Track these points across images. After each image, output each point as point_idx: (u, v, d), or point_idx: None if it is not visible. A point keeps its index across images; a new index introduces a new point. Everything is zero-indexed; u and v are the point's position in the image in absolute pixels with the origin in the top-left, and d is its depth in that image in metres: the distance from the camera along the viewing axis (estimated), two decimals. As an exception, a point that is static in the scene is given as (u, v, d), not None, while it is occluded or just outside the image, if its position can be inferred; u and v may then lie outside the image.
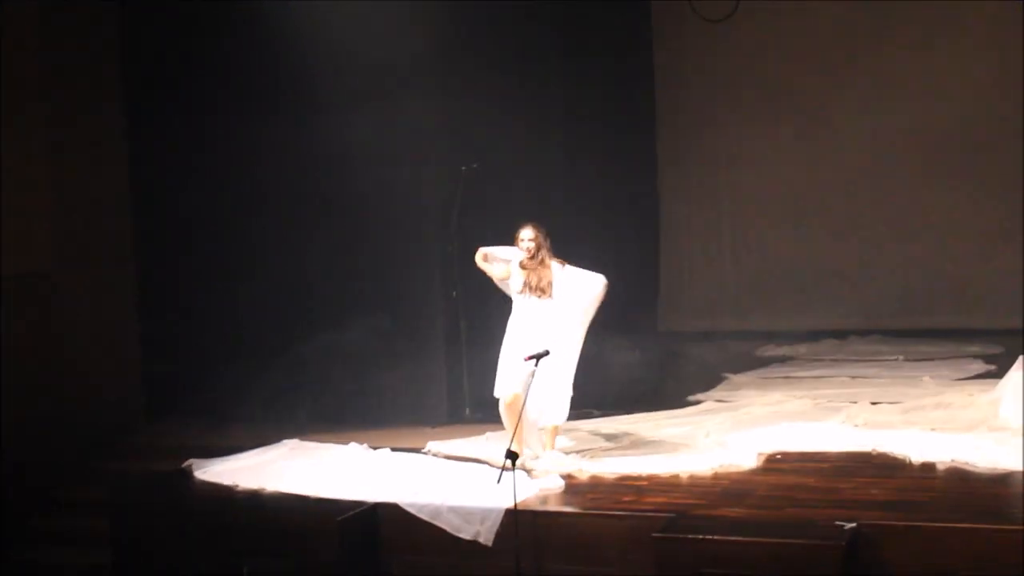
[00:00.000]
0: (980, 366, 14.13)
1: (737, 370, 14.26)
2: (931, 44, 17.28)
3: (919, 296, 17.50)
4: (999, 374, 11.98)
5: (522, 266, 9.70)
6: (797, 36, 17.80)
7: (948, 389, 12.38)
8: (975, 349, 15.35)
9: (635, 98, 17.83)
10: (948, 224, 17.49)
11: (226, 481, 9.74)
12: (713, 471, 9.30)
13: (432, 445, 10.52)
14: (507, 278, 9.81)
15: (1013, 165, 16.97)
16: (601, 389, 12.18)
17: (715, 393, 12.96)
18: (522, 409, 9.15)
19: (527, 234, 9.70)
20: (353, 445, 10.62)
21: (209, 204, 12.81)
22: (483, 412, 11.47)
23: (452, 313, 12.22)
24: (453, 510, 8.47)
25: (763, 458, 9.62)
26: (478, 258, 9.92)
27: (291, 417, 11.91)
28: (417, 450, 10.46)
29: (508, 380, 9.53)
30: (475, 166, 11.95)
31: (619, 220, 16.06)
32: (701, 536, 7.58)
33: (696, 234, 18.34)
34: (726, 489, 8.80)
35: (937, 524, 7.51)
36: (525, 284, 9.66)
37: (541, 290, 9.62)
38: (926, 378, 13.23)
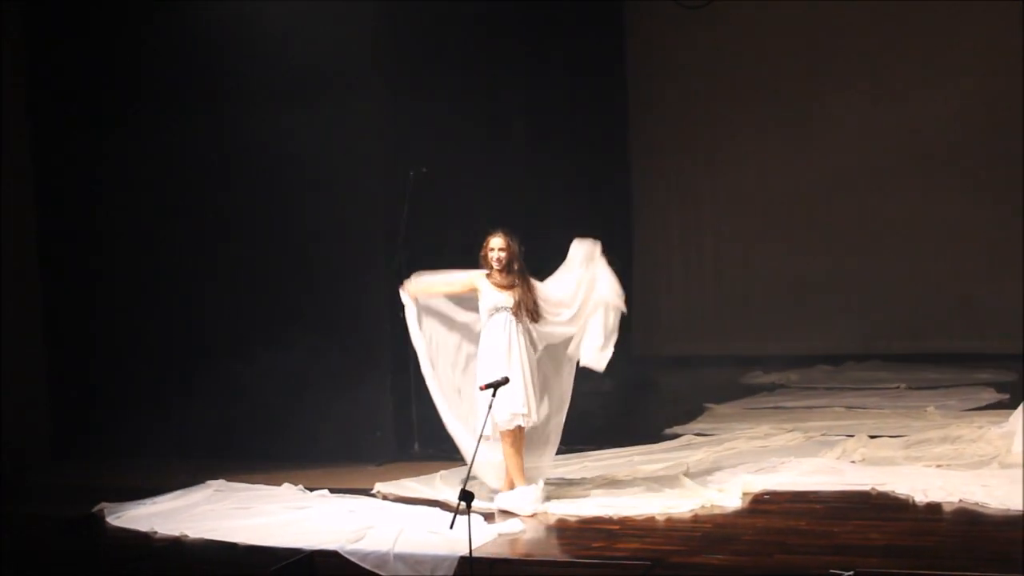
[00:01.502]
0: (991, 395, 14.25)
1: (720, 400, 14.32)
2: (931, 35, 17.49)
3: (923, 317, 17.64)
4: (1012, 404, 12.09)
5: (492, 279, 9.69)
6: (781, 25, 17.97)
7: (955, 421, 12.46)
8: (986, 376, 15.48)
9: (606, 96, 17.91)
10: (956, 236, 17.65)
11: (143, 527, 9.71)
12: (693, 513, 9.33)
13: (378, 486, 10.51)
14: (463, 293, 9.80)
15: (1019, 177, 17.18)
16: (567, 423, 12.20)
17: (695, 426, 13.02)
18: (478, 443, 9.19)
19: (497, 242, 9.70)
20: (287, 486, 10.61)
21: (122, 219, 12.83)
22: (435, 447, 11.48)
23: (400, 335, 12.21)
24: (401, 558, 8.46)
25: (749, 498, 9.66)
26: (414, 291, 9.88)
27: (216, 454, 11.87)
28: (360, 491, 10.44)
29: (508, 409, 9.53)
30: (425, 170, 11.97)
31: (587, 232, 16.09)
32: (679, 586, 7.61)
33: (673, 247, 18.45)
34: (708, 533, 8.83)
35: (943, 572, 7.56)
36: (511, 304, 9.64)
37: (532, 313, 9.62)
38: (931, 408, 13.32)
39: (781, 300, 17.94)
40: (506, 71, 14.29)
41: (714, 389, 14.88)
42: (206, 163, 12.53)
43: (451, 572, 8.27)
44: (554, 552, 8.68)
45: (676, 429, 12.75)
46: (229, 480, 10.92)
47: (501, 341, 9.59)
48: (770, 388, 15.61)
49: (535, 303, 9.64)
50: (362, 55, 12.09)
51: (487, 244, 9.72)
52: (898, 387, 15.19)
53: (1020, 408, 11.31)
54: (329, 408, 11.95)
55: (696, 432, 12.58)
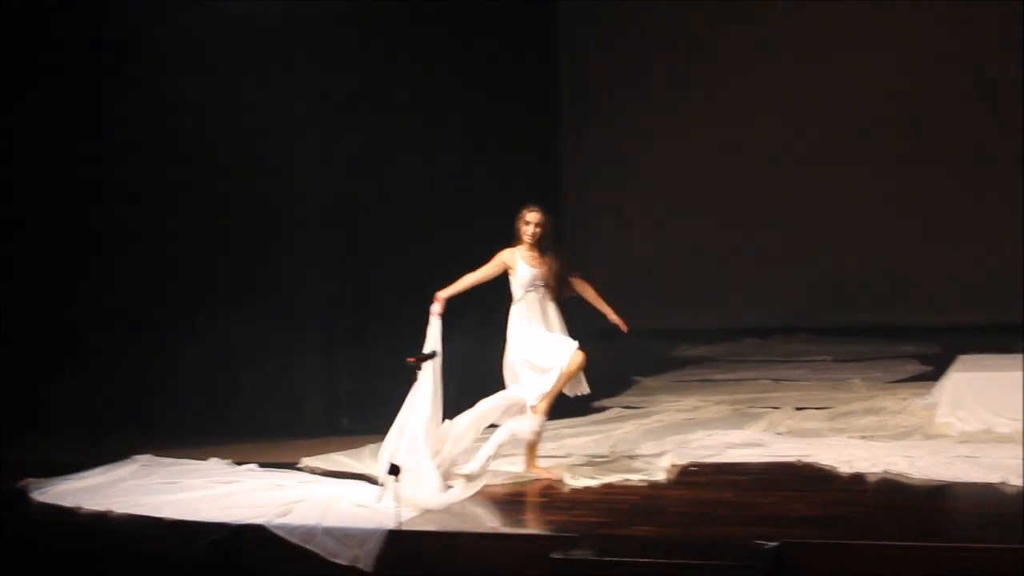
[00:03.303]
0: (915, 367, 14.42)
1: (648, 373, 14.38)
2: (860, 9, 17.62)
3: (849, 290, 17.81)
4: (936, 376, 12.23)
5: (524, 254, 9.64)
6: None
7: (880, 393, 12.60)
8: (910, 348, 15.66)
9: (537, 73, 17.85)
10: (881, 211, 17.83)
11: (68, 503, 9.58)
12: (620, 485, 9.34)
13: (306, 460, 10.45)
14: (496, 274, 9.69)
15: (953, 148, 17.34)
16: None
17: (623, 399, 13.07)
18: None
19: (534, 217, 9.64)
20: (214, 461, 10.53)
21: (49, 192, 12.63)
22: (363, 422, 11.43)
23: (330, 310, 12.17)
24: (328, 532, 8.41)
25: (676, 471, 9.69)
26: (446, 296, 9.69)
27: (143, 428, 11.77)
28: (289, 465, 10.38)
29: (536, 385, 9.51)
30: (354, 147, 11.90)
31: (516, 207, 16.07)
32: (606, 558, 7.61)
33: (603, 222, 18.48)
34: (635, 505, 8.84)
35: (868, 542, 7.60)
36: (546, 278, 9.62)
37: (561, 289, 9.64)
38: (856, 381, 13.45)
39: (709, 274, 18.05)
40: (435, 44, 14.19)
41: (642, 362, 14.92)
42: (138, 137, 12.38)
43: (379, 546, 8.22)
44: (482, 524, 8.67)
45: (604, 402, 12.78)
46: (156, 455, 10.82)
47: (537, 313, 9.61)
48: (698, 361, 15.70)
49: (566, 280, 9.64)
50: (295, 33, 12.01)
51: (523, 217, 9.64)
52: (824, 360, 15.32)
53: (943, 380, 11.43)
54: (257, 382, 11.90)
55: (624, 405, 12.63)
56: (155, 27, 12.19)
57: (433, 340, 9.44)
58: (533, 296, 9.60)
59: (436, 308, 9.48)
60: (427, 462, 9.22)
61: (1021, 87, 17.37)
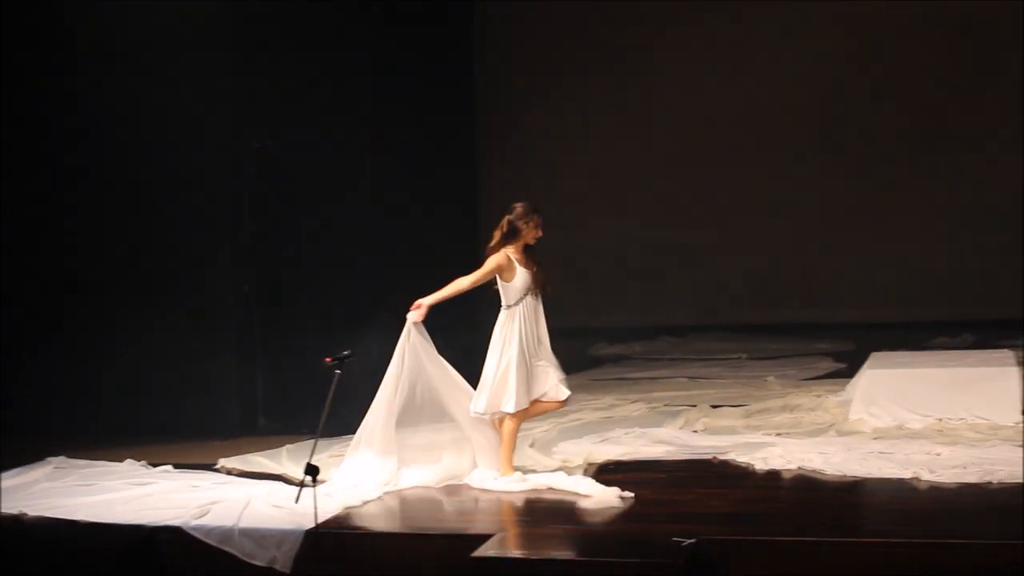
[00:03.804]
0: (829, 364, 14.56)
1: (565, 371, 14.36)
2: (766, 8, 17.78)
3: (763, 288, 17.95)
4: (849, 373, 12.35)
5: (519, 256, 9.44)
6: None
7: (794, 390, 12.71)
8: (824, 346, 15.80)
9: (453, 68, 17.85)
10: (794, 209, 17.97)
11: (-21, 506, 9.49)
12: (539, 485, 9.37)
13: (223, 461, 10.39)
14: (488, 278, 9.46)
15: (865, 146, 17.54)
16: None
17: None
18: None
19: (540, 220, 9.45)
20: (129, 462, 10.43)
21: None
22: (280, 422, 11.38)
23: (245, 309, 12.10)
24: (246, 533, 8.36)
25: (594, 469, 9.72)
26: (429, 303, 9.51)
27: (56, 430, 11.65)
28: (205, 466, 10.32)
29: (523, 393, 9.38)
30: (270, 142, 11.84)
31: (434, 204, 16.05)
32: (524, 556, 7.62)
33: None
34: (553, 504, 8.86)
35: (783, 538, 7.66)
36: (538, 282, 9.45)
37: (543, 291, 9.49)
38: (771, 378, 13.56)
39: (625, 272, 18.12)
40: (349, 41, 14.13)
41: (559, 361, 14.91)
42: (54, 133, 12.25)
43: (297, 546, 8.19)
44: (401, 525, 8.67)
45: (522, 401, 12.79)
46: (70, 457, 10.70)
47: (531, 320, 9.44)
48: (615, 360, 15.74)
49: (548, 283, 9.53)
50: (204, 25, 11.91)
51: (533, 218, 9.40)
52: (739, 357, 15.43)
53: (857, 377, 11.56)
54: (173, 383, 11.80)
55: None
56: (57, 24, 12.05)
57: (403, 350, 9.33)
58: (529, 301, 9.45)
59: (415, 316, 9.37)
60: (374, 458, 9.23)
61: (929, 84, 17.61)
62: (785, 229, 18.03)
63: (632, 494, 8.72)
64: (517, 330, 9.34)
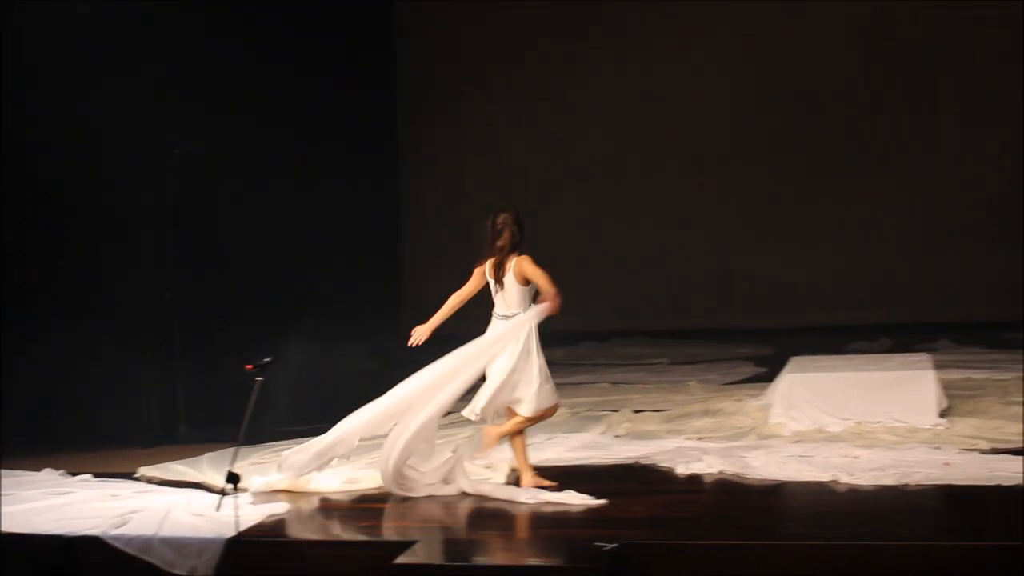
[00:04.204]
0: (750, 369, 14.66)
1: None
2: (687, 14, 17.92)
3: (685, 294, 18.03)
4: (770, 377, 12.44)
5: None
6: (550, 10, 18.19)
7: (716, 395, 12.78)
8: (744, 351, 15.90)
9: (375, 77, 17.87)
10: (714, 215, 18.09)
11: None
12: (461, 489, 9.36)
13: (143, 469, 10.30)
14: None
15: (784, 152, 17.70)
16: (336, 402, 12.13)
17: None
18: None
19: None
20: (47, 471, 10.32)
21: None
22: (201, 430, 11.30)
23: (165, 317, 12.00)
24: (166, 542, 8.30)
25: (517, 475, 9.72)
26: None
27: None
28: (125, 475, 10.23)
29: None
30: (190, 148, 11.77)
31: (357, 212, 16.04)
32: (447, 563, 7.62)
33: (440, 229, 18.50)
34: (476, 509, 8.86)
35: (705, 542, 7.71)
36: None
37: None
38: (692, 383, 13.63)
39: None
40: (275, 55, 14.11)
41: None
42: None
43: (218, 555, 8.13)
44: (323, 532, 8.63)
45: (445, 407, 12.79)
46: (-13, 466, 10.58)
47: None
48: (537, 365, 15.72)
49: None
50: (125, 32, 11.82)
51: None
52: (661, 362, 15.49)
53: (777, 381, 11.64)
54: (93, 391, 11.68)
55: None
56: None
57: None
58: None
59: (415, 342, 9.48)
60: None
61: (845, 94, 17.79)
62: (706, 235, 18.14)
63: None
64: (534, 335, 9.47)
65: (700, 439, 10.72)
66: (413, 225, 18.56)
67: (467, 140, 18.56)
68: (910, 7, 17.48)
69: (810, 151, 17.88)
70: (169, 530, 8.44)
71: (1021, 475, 8.75)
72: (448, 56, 18.60)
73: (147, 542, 8.33)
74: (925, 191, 17.65)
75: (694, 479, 9.43)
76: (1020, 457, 9.30)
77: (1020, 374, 12.78)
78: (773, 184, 17.87)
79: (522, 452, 9.33)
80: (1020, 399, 11.47)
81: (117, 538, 8.40)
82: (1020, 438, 10.04)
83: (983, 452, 9.67)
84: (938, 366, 11.49)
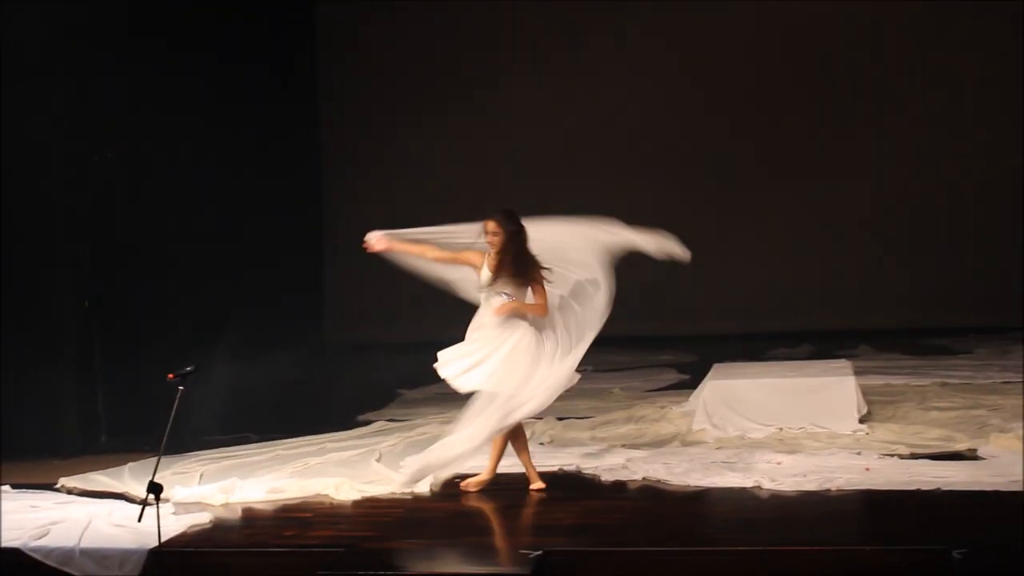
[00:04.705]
0: (673, 375, 14.73)
1: (413, 386, 14.37)
2: (625, 13, 17.96)
3: (607, 301, 18.03)
4: (693, 384, 12.51)
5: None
6: (478, 16, 18.19)
7: (639, 401, 12.82)
8: (667, 357, 15.96)
9: (297, 84, 17.79)
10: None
11: None
12: (385, 499, 9.35)
13: (63, 480, 10.20)
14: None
15: (703, 161, 17.82)
16: (259, 411, 12.11)
17: (388, 412, 13.06)
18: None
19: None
20: (-35, 482, 10.21)
21: None
22: (122, 439, 11.21)
23: (84, 325, 11.89)
24: (87, 554, 8.23)
25: (440, 483, 9.73)
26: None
27: None
28: (44, 486, 10.12)
29: None
30: (110, 155, 11.66)
31: (280, 217, 15.96)
32: (372, 572, 7.60)
33: (364, 235, 18.43)
34: (400, 518, 8.86)
35: (628, 548, 7.75)
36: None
37: None
38: (616, 390, 13.67)
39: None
40: (193, 56, 14.00)
41: (406, 375, 14.91)
42: None
43: (140, 566, 8.08)
44: (247, 541, 8.57)
45: (369, 415, 12.78)
46: (-98, 479, 10.44)
47: None
48: (462, 373, 15.70)
49: None
50: (41, 36, 11.69)
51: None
52: (584, 370, 15.43)
53: (700, 388, 11.71)
54: (11, 401, 11.54)
55: (389, 418, 12.62)
56: None
57: None
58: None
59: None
60: None
61: (774, 104, 17.92)
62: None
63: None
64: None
65: (624, 446, 10.76)
66: (334, 235, 18.48)
67: (391, 150, 18.50)
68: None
69: (734, 162, 17.96)
70: (90, 541, 8.38)
71: (939, 480, 8.87)
72: (372, 66, 18.55)
73: (68, 553, 8.26)
74: (840, 198, 17.79)
75: (618, 486, 9.48)
76: (938, 462, 9.44)
77: (939, 380, 12.96)
78: (691, 193, 17.94)
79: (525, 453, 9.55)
80: (939, 404, 11.63)
81: (37, 550, 8.33)
82: (938, 443, 10.17)
83: (902, 457, 9.78)
84: (858, 372, 11.61)
